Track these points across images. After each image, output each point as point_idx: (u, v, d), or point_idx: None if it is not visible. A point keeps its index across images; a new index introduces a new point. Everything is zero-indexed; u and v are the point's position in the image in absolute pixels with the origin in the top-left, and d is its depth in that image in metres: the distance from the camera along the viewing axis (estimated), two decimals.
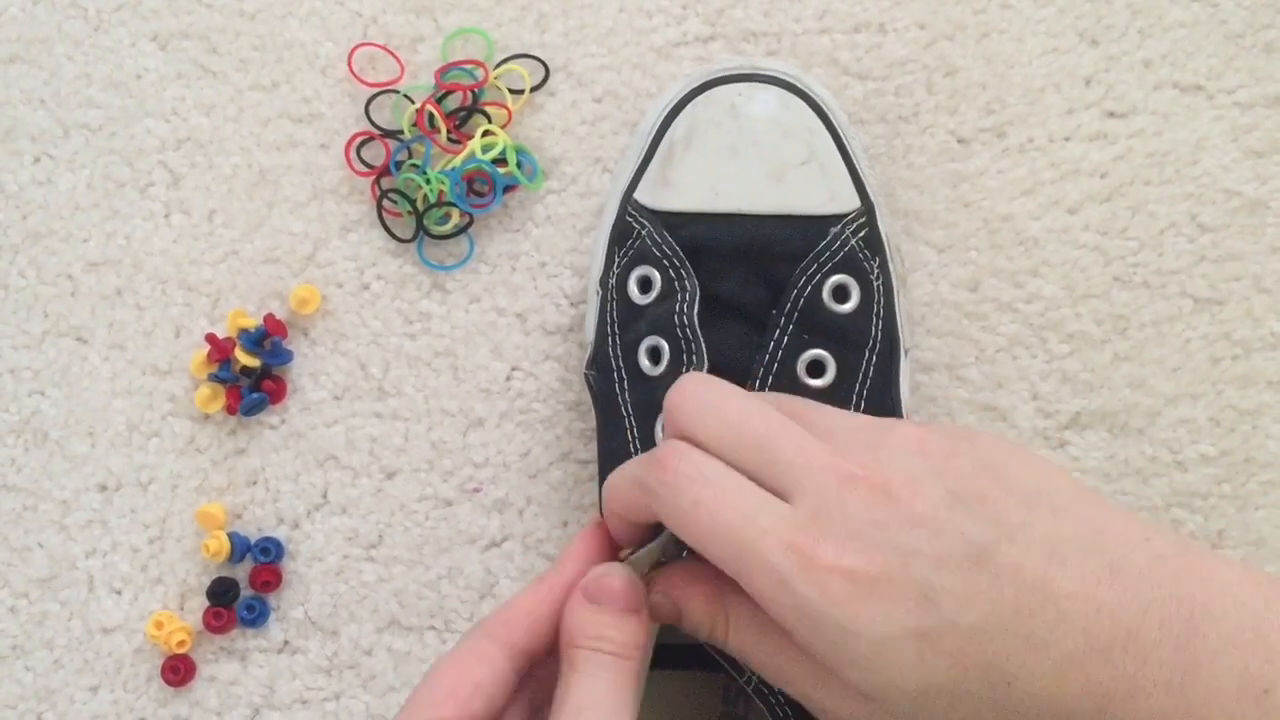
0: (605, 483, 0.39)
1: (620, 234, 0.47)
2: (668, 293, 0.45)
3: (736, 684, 0.42)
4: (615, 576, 0.36)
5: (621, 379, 0.45)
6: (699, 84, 0.47)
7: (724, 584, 0.36)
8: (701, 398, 0.36)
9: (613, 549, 0.39)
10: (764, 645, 0.36)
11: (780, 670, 0.36)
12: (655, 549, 0.38)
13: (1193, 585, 0.32)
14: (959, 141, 0.52)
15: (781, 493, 0.34)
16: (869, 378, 0.44)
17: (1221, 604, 0.32)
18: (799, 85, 0.46)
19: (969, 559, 0.32)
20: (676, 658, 0.44)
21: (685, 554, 0.39)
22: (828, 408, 0.38)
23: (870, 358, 0.44)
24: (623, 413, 0.45)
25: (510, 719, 0.37)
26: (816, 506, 0.33)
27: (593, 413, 0.50)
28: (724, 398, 0.36)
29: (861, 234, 0.45)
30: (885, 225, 0.47)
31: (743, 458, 0.35)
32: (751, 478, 0.34)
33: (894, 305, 0.46)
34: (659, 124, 0.48)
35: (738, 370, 0.43)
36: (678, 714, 0.47)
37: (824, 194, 0.45)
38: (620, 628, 0.35)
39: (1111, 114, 0.52)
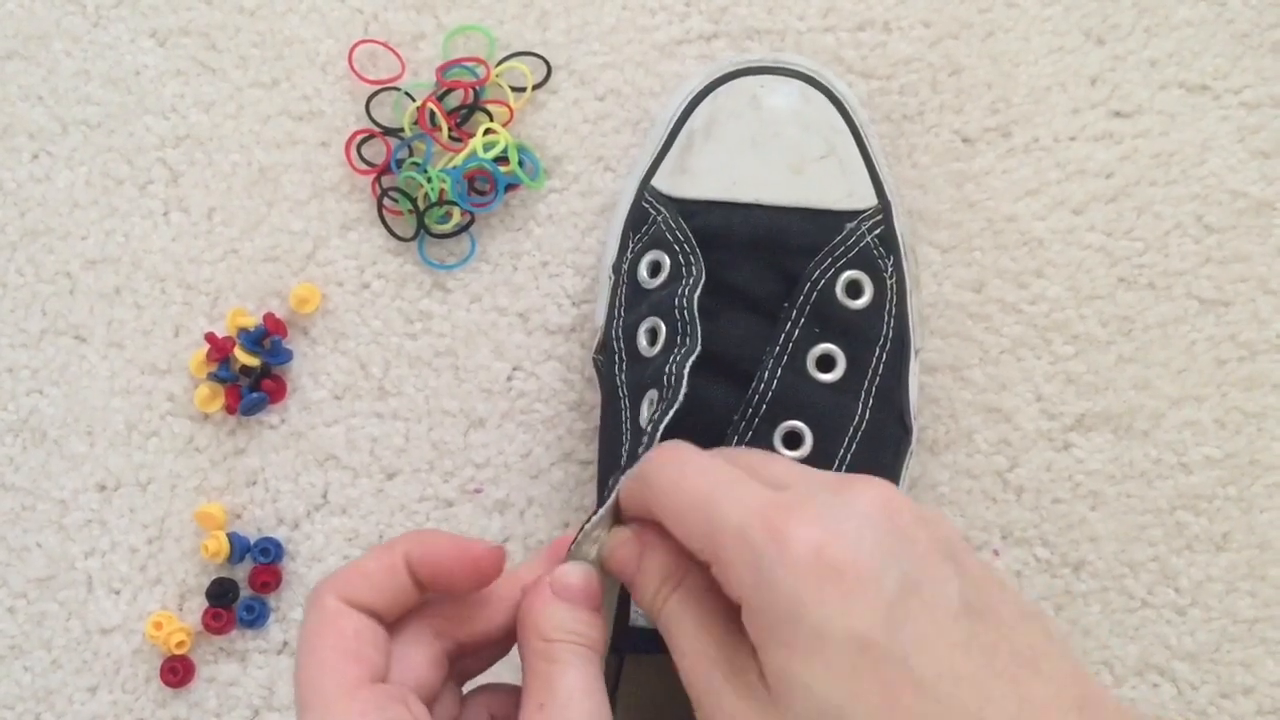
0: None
1: (636, 219, 0.47)
2: (674, 276, 0.45)
3: None
4: (587, 577, 0.36)
5: (620, 360, 0.45)
6: (721, 74, 0.47)
7: (686, 560, 0.35)
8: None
9: (468, 577, 0.37)
10: (696, 628, 0.34)
11: (697, 657, 0.34)
12: (599, 524, 0.37)
13: None
14: (964, 141, 0.52)
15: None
16: (878, 375, 0.44)
17: None
18: (821, 80, 0.46)
19: (957, 609, 0.30)
20: (663, 642, 0.44)
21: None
22: (785, 462, 0.37)
23: (881, 355, 0.44)
24: (619, 394, 0.45)
25: (441, 709, 0.37)
26: (803, 494, 0.32)
27: (594, 413, 0.50)
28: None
29: (877, 232, 0.45)
30: (901, 225, 0.47)
31: None
32: None
33: (906, 305, 0.46)
34: (680, 112, 0.47)
35: (746, 360, 0.43)
36: (663, 697, 0.47)
37: (842, 189, 0.45)
38: (593, 624, 0.35)
39: (1117, 114, 0.52)
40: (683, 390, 0.40)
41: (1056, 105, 0.52)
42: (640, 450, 0.39)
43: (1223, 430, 0.51)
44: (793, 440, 0.43)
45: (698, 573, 0.35)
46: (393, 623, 0.36)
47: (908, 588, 0.30)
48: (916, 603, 0.30)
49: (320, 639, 0.34)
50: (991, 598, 0.31)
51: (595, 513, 0.38)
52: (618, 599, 0.39)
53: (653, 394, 0.42)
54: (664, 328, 0.43)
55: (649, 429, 0.40)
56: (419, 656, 0.36)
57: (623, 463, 0.44)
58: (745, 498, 0.32)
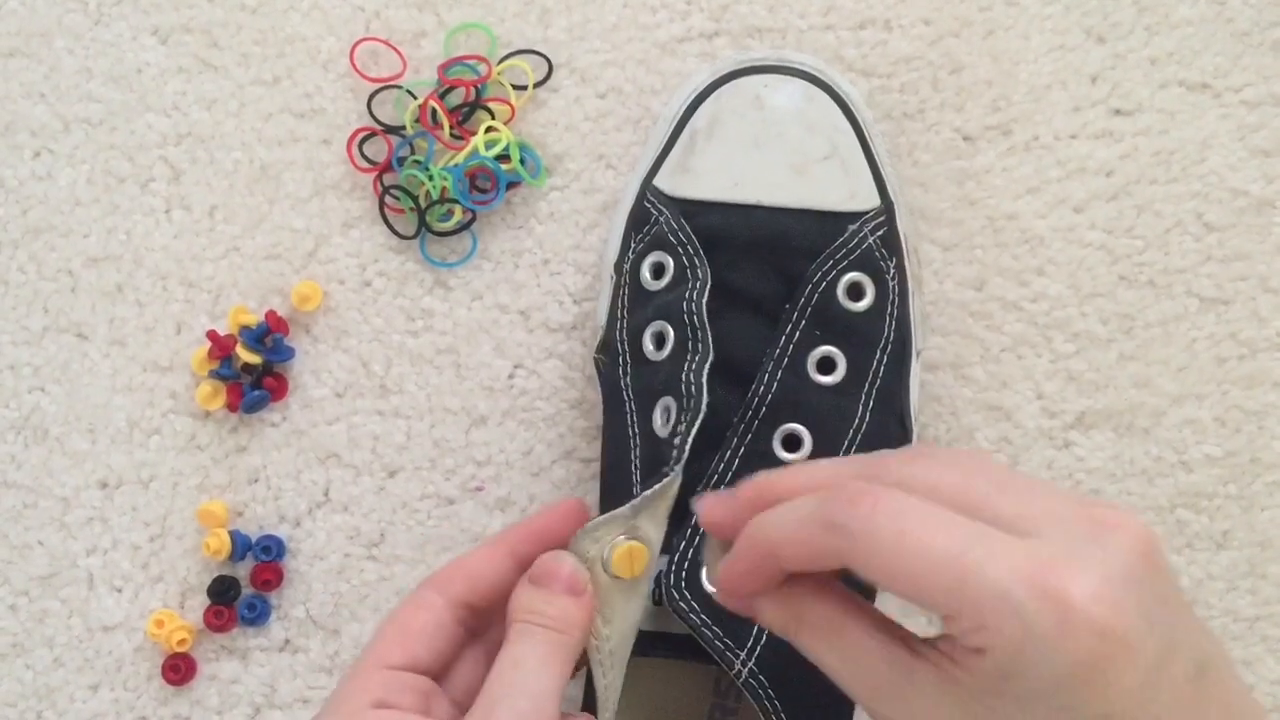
0: (762, 525, 0.33)
1: (638, 219, 0.47)
2: (679, 279, 0.44)
3: (728, 676, 0.42)
4: (560, 562, 0.37)
5: (625, 363, 0.45)
6: (725, 73, 0.47)
7: (797, 589, 0.34)
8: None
9: (570, 530, 0.39)
10: (838, 651, 0.33)
11: (855, 675, 0.33)
12: (605, 525, 0.38)
13: None
14: (965, 139, 0.52)
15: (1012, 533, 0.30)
16: (879, 377, 0.44)
17: None
18: (826, 80, 0.46)
19: (1192, 671, 0.30)
20: (670, 647, 0.44)
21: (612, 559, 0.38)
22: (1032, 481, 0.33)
23: (881, 358, 0.44)
24: (624, 397, 0.45)
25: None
26: (1061, 544, 0.29)
27: (595, 411, 0.50)
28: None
29: (880, 233, 0.45)
30: (904, 226, 0.47)
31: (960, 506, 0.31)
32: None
33: (908, 306, 0.46)
34: (683, 110, 0.47)
35: (746, 362, 0.43)
36: (669, 703, 0.47)
37: (844, 191, 0.45)
38: (555, 604, 0.37)
39: (1118, 112, 0.52)
40: (704, 400, 0.40)
41: (1057, 103, 0.52)
42: (672, 462, 0.38)
43: (1223, 428, 0.51)
44: (792, 443, 0.43)
45: (815, 605, 0.34)
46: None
47: (1163, 655, 0.29)
48: (1166, 675, 0.29)
49: (388, 620, 0.38)
50: (1208, 650, 0.31)
51: (606, 514, 0.38)
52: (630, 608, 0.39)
53: (667, 401, 0.42)
54: (673, 333, 0.43)
55: (676, 443, 0.39)
56: (474, 663, 0.39)
57: (634, 469, 0.44)
58: (1001, 556, 0.29)
